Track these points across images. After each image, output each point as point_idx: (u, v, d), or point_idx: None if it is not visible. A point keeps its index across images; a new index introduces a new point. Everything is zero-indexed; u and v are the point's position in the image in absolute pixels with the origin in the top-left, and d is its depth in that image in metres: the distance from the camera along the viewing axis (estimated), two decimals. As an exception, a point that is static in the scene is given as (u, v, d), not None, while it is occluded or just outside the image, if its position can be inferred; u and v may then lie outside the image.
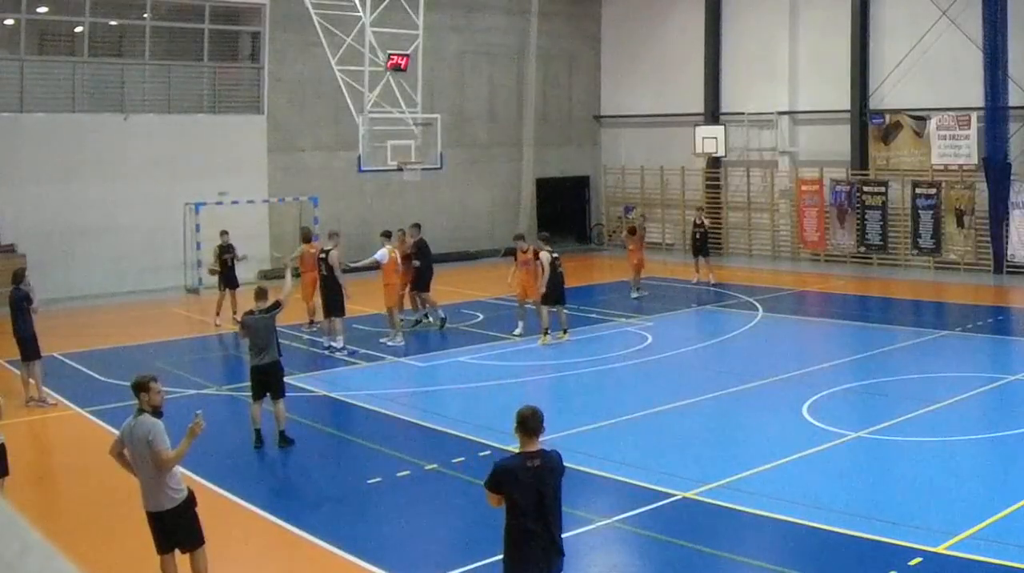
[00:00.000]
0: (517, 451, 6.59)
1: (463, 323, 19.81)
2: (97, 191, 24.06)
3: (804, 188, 28.54)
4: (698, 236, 24.92)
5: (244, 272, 25.55)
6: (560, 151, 33.57)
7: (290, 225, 27.46)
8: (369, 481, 10.70)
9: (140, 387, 7.51)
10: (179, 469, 7.57)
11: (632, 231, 23.59)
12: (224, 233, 20.62)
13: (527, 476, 6.42)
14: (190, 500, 7.50)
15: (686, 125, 30.37)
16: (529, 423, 6.55)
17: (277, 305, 12.46)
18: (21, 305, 14.11)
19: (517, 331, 18.52)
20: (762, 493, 9.85)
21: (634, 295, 22.64)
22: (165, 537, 7.43)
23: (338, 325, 17.36)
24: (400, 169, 21.87)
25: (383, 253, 18.16)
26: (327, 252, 17.39)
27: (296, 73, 27.07)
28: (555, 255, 17.88)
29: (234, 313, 19.02)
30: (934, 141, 25.63)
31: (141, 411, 7.43)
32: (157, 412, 7.46)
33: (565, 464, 10.94)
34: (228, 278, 20.04)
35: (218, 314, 19.97)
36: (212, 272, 20.75)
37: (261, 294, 12.48)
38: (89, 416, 13.63)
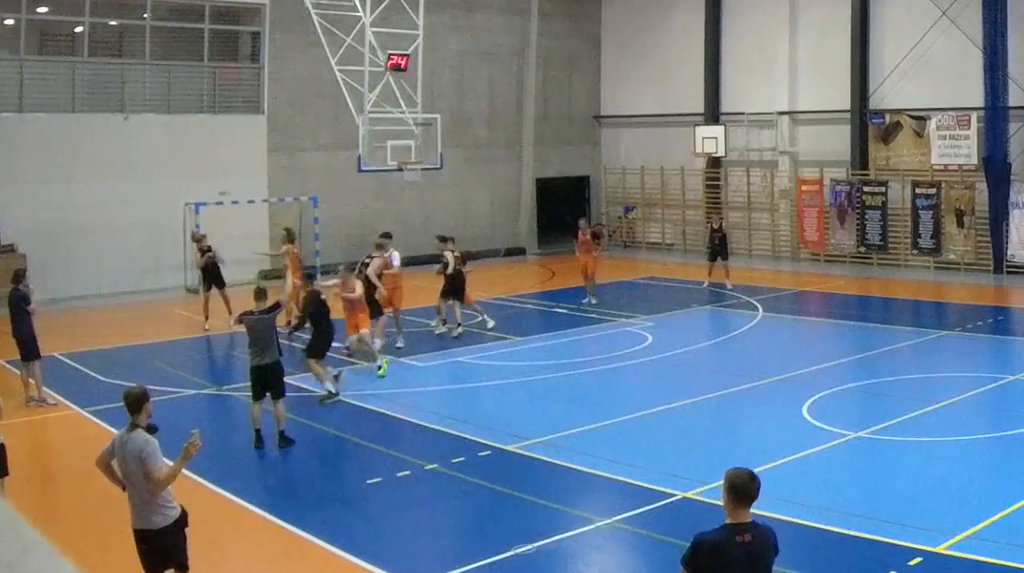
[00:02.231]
0: (724, 523, 5.38)
1: (463, 323, 19.79)
2: (97, 191, 24.06)
3: (804, 188, 28.54)
4: (717, 241, 24.00)
5: (244, 273, 25.60)
6: (560, 151, 33.57)
7: (290, 225, 27.41)
8: (369, 481, 10.70)
9: (138, 402, 7.11)
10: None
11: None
12: (202, 237, 20.48)
13: (737, 553, 5.25)
14: (182, 520, 7.12)
15: (686, 125, 30.37)
16: (743, 491, 5.34)
17: (277, 306, 12.49)
18: (19, 305, 14.10)
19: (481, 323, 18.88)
20: (762, 493, 9.82)
21: (584, 300, 21.74)
22: (158, 557, 7.08)
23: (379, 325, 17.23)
24: (400, 169, 21.87)
25: (396, 256, 18.02)
26: (371, 258, 17.55)
27: (296, 73, 27.07)
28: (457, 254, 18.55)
29: (230, 313, 18.89)
30: (934, 141, 25.63)
31: (135, 426, 7.06)
32: (151, 428, 7.15)
33: (566, 464, 11.06)
34: (214, 278, 19.84)
35: (207, 318, 19.75)
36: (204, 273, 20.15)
37: (260, 294, 12.47)
38: (89, 416, 13.63)
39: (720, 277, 23.95)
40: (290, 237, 19.73)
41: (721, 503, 5.43)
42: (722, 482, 5.42)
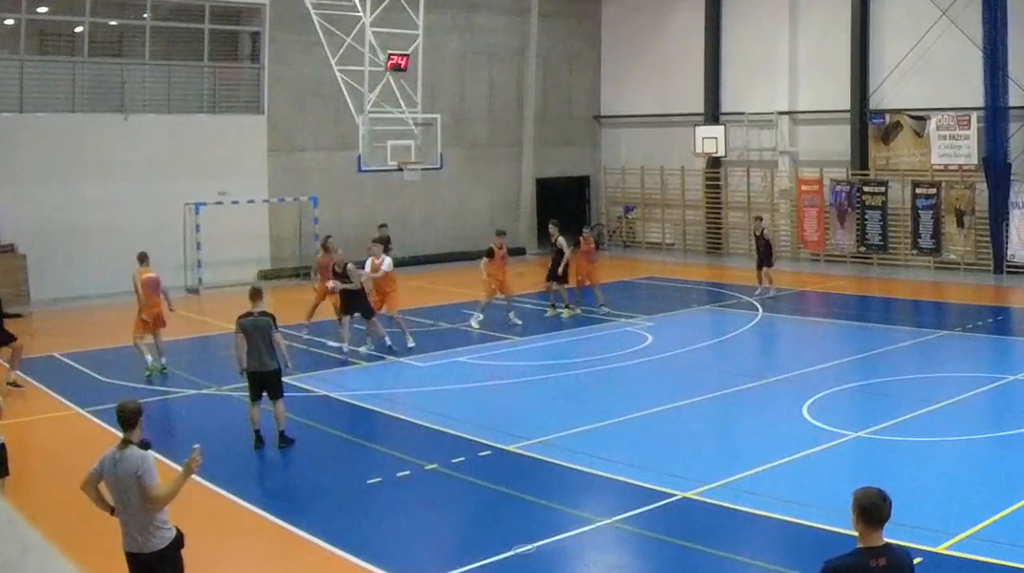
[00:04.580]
0: (857, 546, 5.24)
1: (463, 323, 19.82)
2: (97, 191, 24.05)
3: (804, 188, 28.54)
4: (761, 248, 22.89)
5: (244, 273, 25.61)
6: (560, 151, 33.56)
7: (290, 225, 27.45)
8: (369, 481, 10.70)
9: (134, 417, 6.78)
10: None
11: (576, 243, 21.44)
12: (383, 226, 21.96)
13: None
14: (178, 541, 6.77)
15: (686, 125, 30.38)
16: (874, 512, 5.17)
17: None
18: None
19: (479, 318, 19.43)
20: (762, 493, 9.85)
21: (595, 307, 21.12)
22: None
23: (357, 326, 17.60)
24: (400, 169, 21.87)
25: (389, 262, 18.08)
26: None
27: (296, 73, 27.06)
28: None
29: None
30: (934, 141, 25.63)
31: (127, 443, 6.69)
32: (144, 443, 6.81)
33: (566, 464, 11.05)
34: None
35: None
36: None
37: (256, 295, 12.43)
38: (89, 416, 13.63)
39: (764, 282, 22.64)
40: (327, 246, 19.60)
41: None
42: (850, 503, 5.20)
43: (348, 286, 17.03)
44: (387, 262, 18.00)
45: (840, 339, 18.76)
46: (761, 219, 24.08)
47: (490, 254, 19.67)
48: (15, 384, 14.89)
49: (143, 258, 16.49)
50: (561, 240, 20.64)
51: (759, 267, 22.88)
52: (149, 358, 16.03)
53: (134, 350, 16.43)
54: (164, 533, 6.68)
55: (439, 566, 8.51)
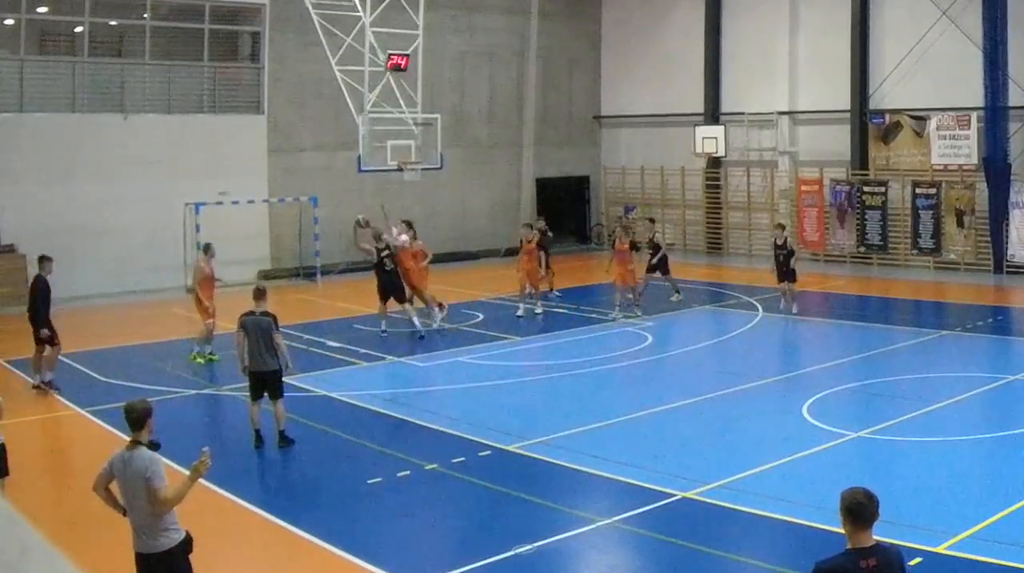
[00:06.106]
0: (847, 547, 5.11)
1: (463, 323, 19.82)
2: (97, 191, 24.05)
3: (804, 188, 28.54)
4: (781, 258, 20.47)
5: (243, 273, 25.60)
6: (560, 151, 33.56)
7: (290, 225, 27.45)
8: (369, 481, 10.70)
9: (143, 418, 6.76)
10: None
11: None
12: (540, 217, 24.11)
13: None
14: (187, 544, 6.73)
15: (686, 125, 30.37)
16: (860, 513, 5.01)
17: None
18: None
19: (520, 312, 20.44)
20: (762, 493, 9.84)
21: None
22: None
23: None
24: (400, 169, 21.87)
25: (405, 239, 18.87)
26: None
27: (296, 73, 27.06)
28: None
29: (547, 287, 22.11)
30: (934, 141, 25.63)
31: (137, 444, 6.70)
32: (153, 444, 6.81)
33: (566, 464, 11.06)
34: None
35: (551, 288, 22.41)
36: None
37: (260, 294, 12.44)
38: (89, 416, 13.63)
39: (787, 299, 20.65)
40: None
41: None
42: (838, 504, 5.12)
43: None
44: (403, 238, 18.82)
45: (840, 339, 18.76)
46: (783, 227, 21.76)
47: (521, 246, 21.09)
48: (51, 385, 14.90)
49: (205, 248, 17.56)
50: (659, 236, 22.24)
51: (780, 280, 20.60)
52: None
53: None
54: (172, 535, 6.67)
55: (439, 566, 8.51)
